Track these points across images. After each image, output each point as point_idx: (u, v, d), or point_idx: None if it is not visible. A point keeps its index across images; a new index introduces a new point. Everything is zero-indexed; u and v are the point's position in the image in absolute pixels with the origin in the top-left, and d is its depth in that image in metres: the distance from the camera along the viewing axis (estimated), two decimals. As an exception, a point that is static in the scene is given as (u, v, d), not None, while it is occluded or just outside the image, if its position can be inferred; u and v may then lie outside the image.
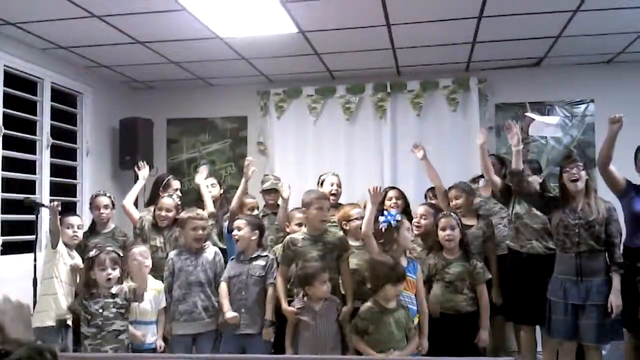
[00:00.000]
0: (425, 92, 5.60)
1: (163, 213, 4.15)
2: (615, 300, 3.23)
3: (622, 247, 3.49)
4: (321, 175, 4.61)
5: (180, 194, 4.59)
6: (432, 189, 4.59)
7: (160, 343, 3.67)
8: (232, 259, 3.78)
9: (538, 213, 3.78)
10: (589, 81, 5.39)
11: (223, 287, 3.65)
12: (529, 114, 4.55)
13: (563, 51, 5.00)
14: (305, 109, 5.84)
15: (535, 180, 3.91)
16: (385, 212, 3.57)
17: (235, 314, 3.52)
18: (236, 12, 4.01)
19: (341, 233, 3.66)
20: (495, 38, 4.65)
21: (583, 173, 3.45)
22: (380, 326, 3.10)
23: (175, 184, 4.75)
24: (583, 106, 5.41)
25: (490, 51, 5.01)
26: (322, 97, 5.80)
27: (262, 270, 3.63)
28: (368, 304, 3.17)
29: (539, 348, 4.02)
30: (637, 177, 3.65)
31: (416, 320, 3.29)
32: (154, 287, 3.70)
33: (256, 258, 3.68)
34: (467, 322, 3.44)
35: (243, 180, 4.28)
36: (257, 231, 3.70)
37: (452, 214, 3.64)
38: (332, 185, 4.40)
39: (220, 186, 4.92)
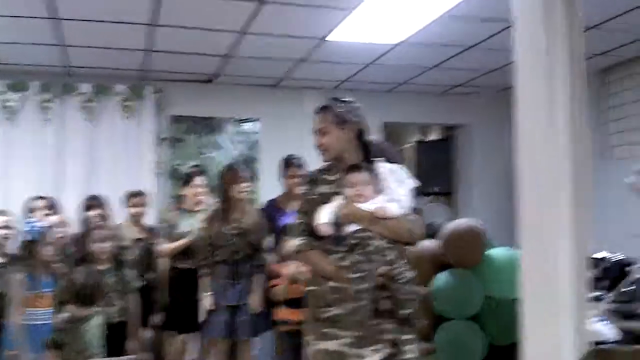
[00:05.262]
0: (98, 96, 5.32)
1: None
2: (254, 299, 3.61)
3: None
4: None
5: None
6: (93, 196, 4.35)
7: None
8: None
9: None
10: (256, 102, 5.84)
11: None
12: None
13: (234, 71, 5.32)
14: (-51, 103, 4.96)
15: None
16: (30, 222, 3.32)
17: None
18: None
19: None
20: (168, 49, 4.68)
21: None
22: (77, 335, 3.01)
23: None
24: (250, 124, 5.88)
25: (165, 62, 5.03)
26: (-26, 92, 5.01)
27: None
28: (66, 314, 3.00)
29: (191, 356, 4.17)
30: (282, 184, 4.04)
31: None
32: None
33: None
34: (118, 332, 3.38)
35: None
36: None
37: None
38: None
39: None
